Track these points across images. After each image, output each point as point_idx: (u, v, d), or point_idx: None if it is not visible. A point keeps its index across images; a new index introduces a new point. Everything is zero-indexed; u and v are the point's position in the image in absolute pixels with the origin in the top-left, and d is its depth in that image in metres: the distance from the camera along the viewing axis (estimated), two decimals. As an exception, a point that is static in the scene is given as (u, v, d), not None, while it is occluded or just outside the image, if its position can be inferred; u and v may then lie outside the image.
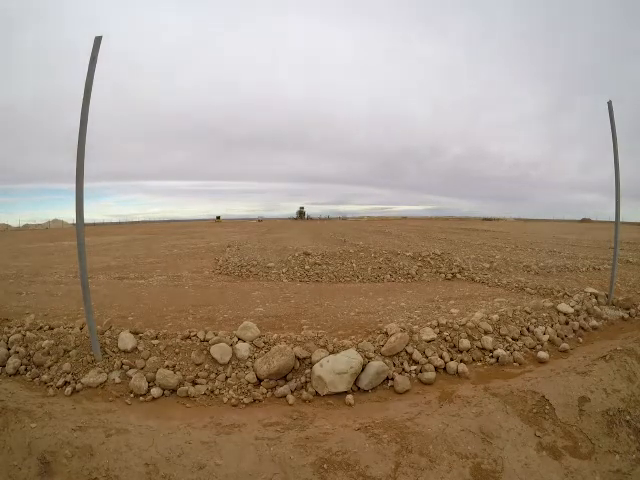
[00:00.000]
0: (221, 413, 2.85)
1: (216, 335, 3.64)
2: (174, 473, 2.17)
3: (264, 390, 3.15)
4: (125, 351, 3.44)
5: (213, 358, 3.39)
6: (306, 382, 3.22)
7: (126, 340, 3.50)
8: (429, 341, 3.67)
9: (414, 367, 3.40)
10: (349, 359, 3.20)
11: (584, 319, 4.58)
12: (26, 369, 3.36)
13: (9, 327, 3.92)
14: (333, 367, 3.14)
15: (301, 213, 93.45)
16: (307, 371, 3.28)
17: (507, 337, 3.94)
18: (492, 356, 3.67)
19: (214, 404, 3.00)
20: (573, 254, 12.05)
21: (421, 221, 65.32)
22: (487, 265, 9.12)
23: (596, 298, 5.17)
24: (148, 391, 3.08)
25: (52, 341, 3.51)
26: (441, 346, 3.65)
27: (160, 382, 3.11)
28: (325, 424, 2.65)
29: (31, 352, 3.46)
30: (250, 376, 3.24)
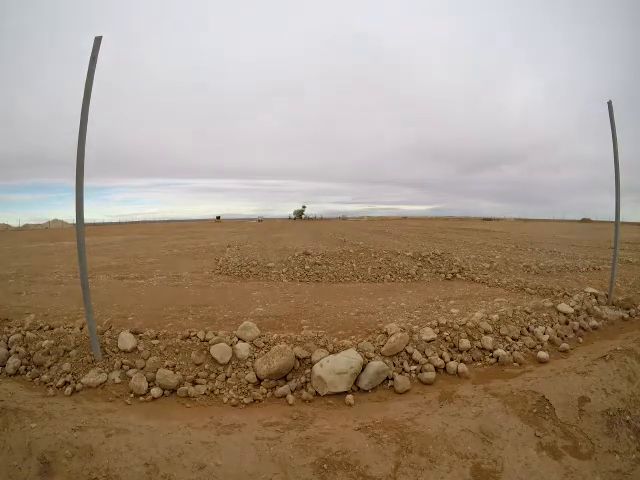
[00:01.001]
0: (221, 413, 2.85)
1: (216, 335, 3.64)
2: (174, 473, 2.17)
3: (264, 390, 3.15)
4: (125, 351, 3.44)
5: (213, 358, 3.39)
6: (306, 382, 3.22)
7: (126, 340, 3.50)
8: (429, 341, 3.67)
9: (414, 367, 3.40)
10: (349, 359, 3.20)
11: (584, 319, 4.58)
12: (26, 369, 3.36)
13: (9, 327, 3.92)
14: (333, 367, 3.14)
15: (300, 213, 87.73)
16: (307, 371, 3.28)
17: (507, 337, 3.94)
18: (492, 356, 3.67)
19: (214, 404, 3.01)
20: (573, 254, 12.05)
21: (421, 221, 65.31)
22: (487, 265, 9.11)
23: (596, 298, 5.17)
24: (148, 391, 3.08)
25: (52, 341, 3.51)
26: (441, 346, 3.65)
27: (160, 382, 3.11)
28: (325, 424, 2.65)
29: (31, 352, 3.46)
30: (250, 376, 3.24)
